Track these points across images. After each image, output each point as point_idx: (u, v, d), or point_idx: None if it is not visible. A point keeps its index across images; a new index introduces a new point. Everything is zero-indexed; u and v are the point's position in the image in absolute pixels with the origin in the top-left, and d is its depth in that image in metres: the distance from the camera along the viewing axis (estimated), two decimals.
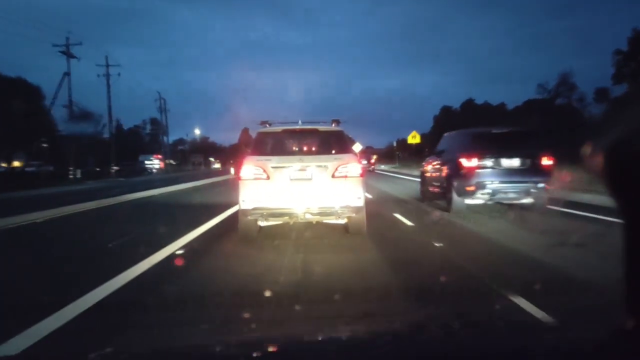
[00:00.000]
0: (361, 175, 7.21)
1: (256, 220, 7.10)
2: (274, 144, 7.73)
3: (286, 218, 7.04)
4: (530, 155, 9.76)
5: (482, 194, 9.72)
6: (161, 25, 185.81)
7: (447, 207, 10.07)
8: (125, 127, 65.92)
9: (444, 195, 10.53)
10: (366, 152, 41.37)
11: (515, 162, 9.82)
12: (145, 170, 45.75)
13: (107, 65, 37.80)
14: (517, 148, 9.87)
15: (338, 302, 3.95)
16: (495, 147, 9.86)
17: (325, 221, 7.30)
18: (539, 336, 1.50)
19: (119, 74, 40.79)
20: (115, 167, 41.23)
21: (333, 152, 7.33)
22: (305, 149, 7.70)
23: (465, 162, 9.91)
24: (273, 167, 7.05)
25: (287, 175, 7.02)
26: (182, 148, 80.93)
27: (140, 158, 55.96)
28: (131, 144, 57.77)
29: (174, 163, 71.41)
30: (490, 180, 9.72)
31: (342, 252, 6.20)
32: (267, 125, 7.94)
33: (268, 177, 7.03)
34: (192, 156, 75.64)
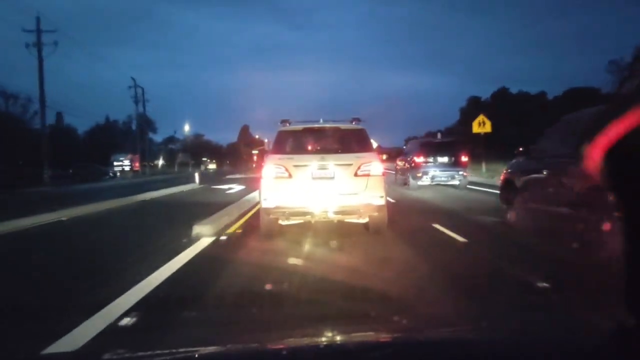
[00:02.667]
0: (383, 174, 7.59)
1: (277, 219, 7.43)
2: (295, 143, 8.07)
3: (308, 217, 7.39)
4: (454, 155, 17.81)
5: (427, 178, 17.45)
6: (161, 27, 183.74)
7: (408, 186, 17.80)
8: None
9: (406, 179, 18.20)
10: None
11: (445, 159, 17.80)
12: (106, 174, 38.25)
13: (39, 31, 29.83)
14: (447, 150, 18.02)
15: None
16: (434, 150, 17.93)
17: (346, 220, 7.75)
18: (536, 335, 1.60)
19: (55, 43, 30.86)
20: (70, 170, 34.31)
21: (355, 150, 7.70)
22: (327, 147, 7.94)
23: (416, 159, 17.80)
24: (295, 166, 7.36)
25: (309, 173, 7.35)
26: (172, 147, 73.85)
27: (112, 158, 48.02)
28: (106, 142, 50.45)
29: (162, 163, 64.06)
30: (431, 170, 17.51)
31: None
32: (288, 124, 8.28)
33: (290, 176, 7.33)
34: (179, 156, 68.13)
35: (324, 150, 7.81)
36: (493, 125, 29.31)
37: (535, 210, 7.48)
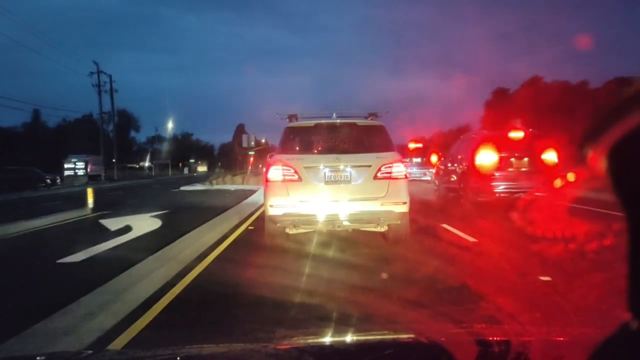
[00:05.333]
0: (406, 177, 7.26)
1: (284, 228, 7.13)
2: (306, 141, 7.61)
3: (320, 225, 7.05)
4: (426, 156, 25.07)
5: None
6: (160, 30, 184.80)
7: None
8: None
9: None
10: None
11: (419, 160, 28.57)
12: (41, 182, 31.53)
13: None
14: (421, 152, 30.06)
15: None
16: (410, 154, 28.89)
17: (363, 229, 7.50)
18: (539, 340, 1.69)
19: None
20: None
21: (374, 149, 7.30)
22: (341, 146, 7.45)
23: None
24: (305, 167, 6.94)
25: (322, 176, 6.95)
26: (157, 147, 67.31)
27: (71, 158, 42.31)
28: (74, 140, 44.35)
29: (147, 165, 57.71)
30: (408, 169, 20.53)
31: None
32: (295, 120, 7.83)
33: (300, 179, 6.90)
34: (154, 156, 61.21)
35: (339, 150, 7.28)
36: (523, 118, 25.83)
37: (444, 187, 15.54)
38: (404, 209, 6.92)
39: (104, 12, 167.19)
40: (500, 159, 12.44)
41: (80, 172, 45.36)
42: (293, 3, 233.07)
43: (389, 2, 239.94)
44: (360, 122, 7.68)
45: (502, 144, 12.59)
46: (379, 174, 6.84)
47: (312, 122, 7.65)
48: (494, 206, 12.01)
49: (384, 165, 6.86)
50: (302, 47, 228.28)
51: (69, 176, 43.68)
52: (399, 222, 6.96)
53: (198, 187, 28.78)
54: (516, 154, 12.56)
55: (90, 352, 1.93)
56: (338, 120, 7.71)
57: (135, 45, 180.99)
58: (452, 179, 14.59)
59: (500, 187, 12.28)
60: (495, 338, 1.63)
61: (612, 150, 0.90)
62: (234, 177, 30.91)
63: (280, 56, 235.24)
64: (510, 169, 12.49)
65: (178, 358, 1.52)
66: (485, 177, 12.36)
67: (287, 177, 6.80)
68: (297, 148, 7.42)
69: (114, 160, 58.43)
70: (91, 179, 44.86)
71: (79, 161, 45.71)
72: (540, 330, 1.94)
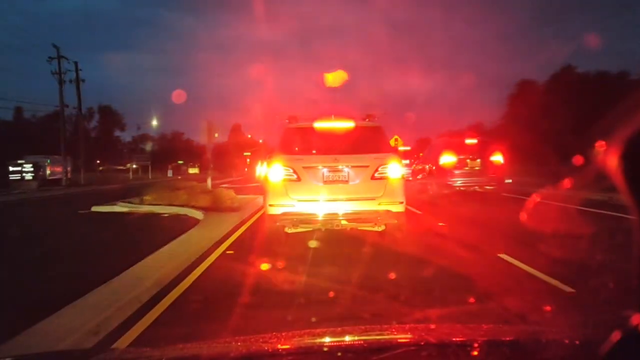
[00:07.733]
0: (402, 177, 7.82)
1: (284, 227, 7.59)
2: (305, 142, 7.98)
3: (318, 225, 7.46)
4: (412, 158, 36.45)
5: None
6: (159, 32, 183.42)
7: None
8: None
9: None
10: None
11: (407, 161, 27.73)
12: None
13: None
14: (408, 155, 39.80)
15: None
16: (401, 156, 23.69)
17: (360, 228, 7.98)
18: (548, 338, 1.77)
19: None
20: None
21: (371, 150, 7.72)
22: (340, 147, 7.83)
23: None
24: (304, 167, 7.33)
25: (320, 176, 7.33)
26: (143, 147, 62.61)
27: (26, 159, 40.03)
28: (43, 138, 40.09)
29: (135, 166, 53.08)
30: None
31: None
32: (295, 121, 8.32)
33: (299, 179, 7.27)
34: (133, 156, 55.60)
35: (337, 150, 7.68)
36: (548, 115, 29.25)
37: (418, 183, 19.12)
38: (401, 208, 7.44)
39: (100, 12, 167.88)
40: (458, 160, 16.28)
41: (28, 177, 38.76)
42: (292, 2, 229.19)
43: None
44: (358, 123, 8.18)
45: (459, 148, 16.51)
46: (376, 174, 7.26)
47: (311, 124, 8.11)
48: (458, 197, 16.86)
49: (381, 165, 7.29)
50: (301, 47, 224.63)
51: (14, 181, 37.94)
52: (396, 221, 7.45)
53: (117, 207, 17.86)
54: (471, 156, 16.31)
55: (97, 350, 2.24)
56: (337, 122, 8.19)
57: (127, 44, 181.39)
58: (424, 176, 19.08)
59: (458, 182, 16.18)
60: (503, 338, 1.70)
61: (625, 148, 0.90)
62: (175, 193, 18.09)
63: (279, 56, 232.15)
64: (466, 168, 16.31)
65: (184, 357, 1.57)
66: (447, 174, 16.26)
67: (286, 177, 7.20)
68: (297, 149, 7.86)
69: (98, 161, 53.63)
70: (49, 183, 39.70)
71: (26, 163, 39.25)
72: (549, 330, 1.93)
